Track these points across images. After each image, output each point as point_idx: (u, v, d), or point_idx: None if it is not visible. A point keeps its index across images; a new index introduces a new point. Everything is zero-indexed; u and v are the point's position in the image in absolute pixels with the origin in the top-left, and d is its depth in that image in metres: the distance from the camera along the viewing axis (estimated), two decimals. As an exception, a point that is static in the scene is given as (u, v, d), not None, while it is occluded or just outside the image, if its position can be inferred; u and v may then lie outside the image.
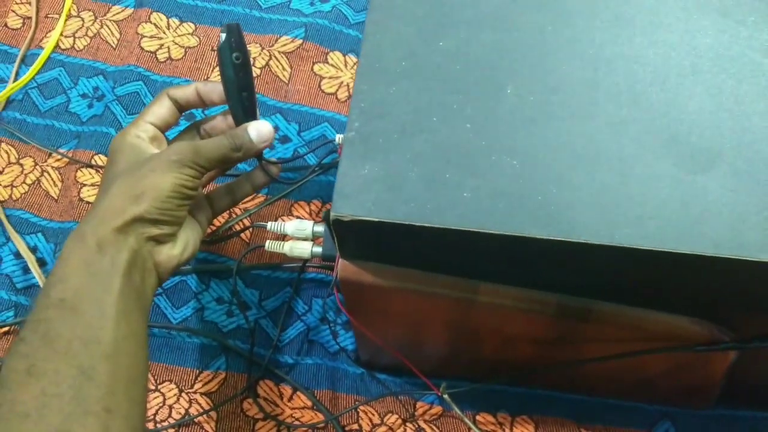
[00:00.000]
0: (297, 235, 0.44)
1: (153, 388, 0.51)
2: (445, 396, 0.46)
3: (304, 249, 0.44)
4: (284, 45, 0.63)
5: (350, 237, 0.33)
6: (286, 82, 0.62)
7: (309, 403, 0.50)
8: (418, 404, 0.51)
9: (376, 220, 0.31)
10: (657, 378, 0.45)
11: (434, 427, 0.50)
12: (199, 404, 0.50)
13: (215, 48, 0.47)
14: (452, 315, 0.38)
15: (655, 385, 0.46)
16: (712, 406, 0.50)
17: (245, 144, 0.40)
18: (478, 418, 0.50)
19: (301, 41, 0.63)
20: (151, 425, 0.49)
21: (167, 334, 0.52)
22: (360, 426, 0.50)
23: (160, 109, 0.42)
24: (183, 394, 0.50)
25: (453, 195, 0.31)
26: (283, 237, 0.49)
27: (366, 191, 0.31)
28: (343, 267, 0.35)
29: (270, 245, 0.45)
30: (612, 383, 0.47)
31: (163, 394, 0.50)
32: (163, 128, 0.42)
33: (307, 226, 0.44)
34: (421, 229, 0.31)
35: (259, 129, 0.41)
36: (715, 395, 0.47)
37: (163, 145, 0.42)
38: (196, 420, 0.50)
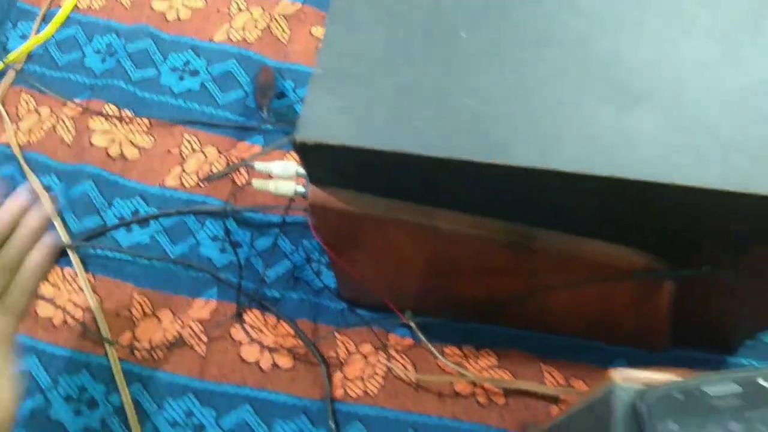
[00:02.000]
0: (282, 174, 0.49)
1: (150, 313, 0.56)
2: (411, 323, 0.50)
3: (288, 187, 0.48)
4: (284, 8, 0.68)
5: (315, 162, 0.37)
6: (285, 43, 0.67)
7: (291, 332, 0.55)
8: (391, 336, 0.55)
9: (337, 143, 0.35)
10: (609, 315, 0.49)
11: (404, 357, 0.54)
12: (191, 328, 0.55)
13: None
14: (416, 242, 0.43)
15: (609, 324, 0.50)
16: (667, 348, 0.54)
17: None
18: (445, 350, 0.55)
19: (300, 5, 0.68)
20: (146, 346, 0.55)
21: (165, 266, 0.58)
22: (336, 353, 0.55)
23: None
24: (177, 319, 0.56)
25: (410, 125, 0.35)
26: (269, 177, 0.53)
27: (329, 119, 0.35)
28: (312, 192, 0.40)
29: (257, 183, 0.50)
30: (569, 320, 0.51)
31: (159, 319, 0.56)
32: None
33: (291, 167, 0.49)
34: (379, 153, 0.35)
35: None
36: (666, 335, 0.51)
37: None
38: (188, 342, 0.55)
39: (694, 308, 0.47)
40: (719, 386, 0.32)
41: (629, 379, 0.34)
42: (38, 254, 0.43)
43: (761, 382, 0.32)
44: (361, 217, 0.40)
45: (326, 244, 0.46)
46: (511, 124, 0.35)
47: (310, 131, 0.35)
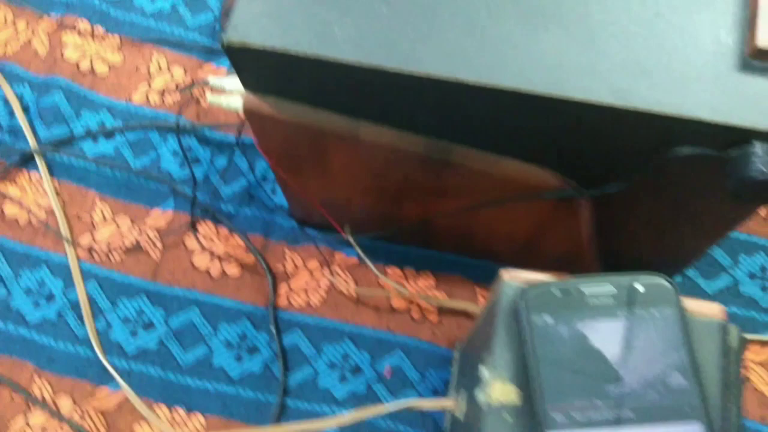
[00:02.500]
0: (234, 89, 0.51)
1: (110, 219, 0.59)
2: (348, 237, 0.53)
3: (238, 102, 0.50)
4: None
5: (244, 65, 0.40)
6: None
7: (242, 245, 0.58)
8: (337, 254, 0.58)
9: (260, 46, 0.37)
10: (535, 240, 0.51)
11: (348, 273, 0.57)
12: (148, 235, 0.58)
13: None
14: (342, 155, 0.45)
15: (537, 249, 0.53)
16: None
17: None
18: (387, 270, 0.58)
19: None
20: (104, 249, 0.58)
21: (127, 177, 0.60)
22: (284, 266, 0.58)
23: None
24: (135, 226, 0.59)
25: (328, 30, 0.37)
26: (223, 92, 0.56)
27: (255, 22, 0.37)
28: (246, 99, 0.42)
29: (210, 98, 0.52)
30: (498, 245, 0.54)
31: (118, 225, 0.59)
32: None
33: (242, 82, 0.51)
34: (297, 58, 0.37)
35: None
36: (592, 262, 0.53)
37: None
38: (143, 248, 0.58)
39: (615, 236, 0.49)
40: (596, 287, 0.35)
41: (517, 278, 0.37)
42: None
43: (636, 285, 0.35)
44: (292, 125, 0.43)
45: (264, 153, 0.48)
46: (424, 36, 0.37)
47: (236, 34, 0.38)
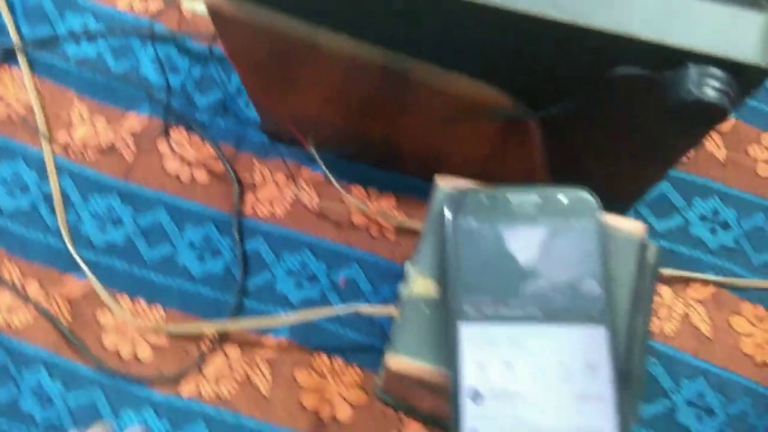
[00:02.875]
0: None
1: (87, 119, 0.61)
2: (312, 149, 0.55)
3: (213, 9, 0.52)
4: None
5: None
6: None
7: (213, 154, 0.60)
8: (304, 170, 0.60)
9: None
10: (492, 163, 0.53)
11: (313, 189, 0.59)
12: (123, 137, 0.60)
13: None
14: (303, 62, 0.46)
15: (494, 174, 0.55)
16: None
17: None
18: (352, 189, 0.59)
19: None
20: (80, 147, 0.60)
21: (107, 80, 0.62)
22: (252, 177, 0.60)
23: None
24: (110, 127, 0.61)
25: None
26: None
27: None
28: (212, 1, 0.44)
29: (186, 3, 0.53)
30: (458, 169, 0.56)
31: (94, 125, 0.61)
32: None
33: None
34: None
35: None
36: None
37: None
38: (117, 149, 0.60)
39: (569, 166, 0.51)
40: (522, 196, 0.37)
41: (452, 184, 0.39)
42: None
43: (560, 197, 0.37)
44: (252, 28, 0.44)
45: (231, 58, 0.50)
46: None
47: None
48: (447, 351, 0.34)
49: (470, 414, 0.32)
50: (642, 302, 0.38)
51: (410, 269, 0.37)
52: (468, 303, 0.34)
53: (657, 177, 0.50)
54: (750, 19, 0.35)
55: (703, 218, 0.58)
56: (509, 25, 0.37)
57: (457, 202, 0.36)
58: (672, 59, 0.35)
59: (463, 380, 0.33)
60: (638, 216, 0.59)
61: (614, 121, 0.44)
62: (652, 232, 0.58)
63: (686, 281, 0.57)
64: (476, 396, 0.33)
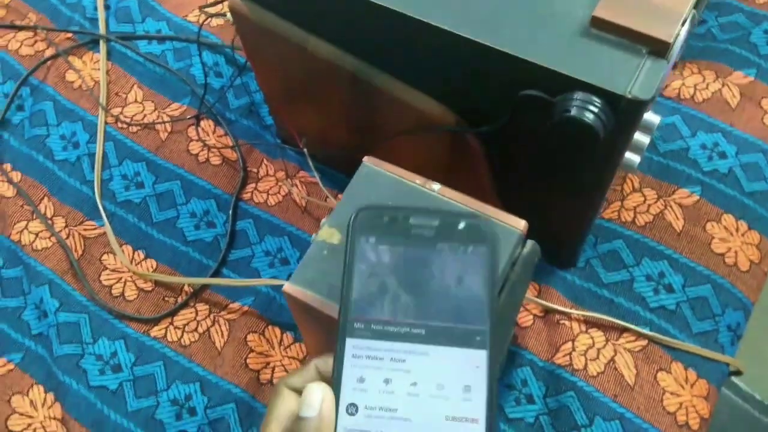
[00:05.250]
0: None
1: (139, 101, 0.73)
2: (303, 148, 0.64)
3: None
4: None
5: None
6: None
7: (230, 144, 0.71)
8: (301, 172, 0.69)
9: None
10: (448, 182, 0.60)
11: (304, 188, 0.68)
12: (163, 119, 0.72)
13: None
14: (295, 61, 0.56)
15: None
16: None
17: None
18: (337, 194, 0.68)
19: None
20: (127, 120, 0.72)
21: (163, 72, 0.75)
22: (257, 170, 0.69)
23: (286, 405, 0.35)
24: (156, 111, 0.73)
25: None
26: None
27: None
28: (232, 1, 0.55)
29: (230, 16, 0.65)
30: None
31: (144, 107, 0.73)
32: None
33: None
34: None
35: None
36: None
37: None
38: (155, 127, 0.72)
39: (511, 191, 0.56)
40: (422, 218, 0.36)
41: (376, 163, 0.47)
42: None
43: (460, 222, 0.36)
44: (261, 28, 0.54)
45: (247, 54, 0.60)
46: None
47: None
48: (334, 364, 0.34)
49: (342, 425, 0.33)
50: (512, 289, 0.43)
51: (324, 222, 0.45)
52: (356, 319, 0.34)
53: (585, 214, 0.55)
54: (627, 61, 0.41)
55: (648, 278, 0.62)
56: (436, 39, 0.45)
57: (360, 218, 0.36)
58: (565, 86, 0.42)
59: (343, 392, 0.33)
60: (589, 266, 0.63)
61: (531, 143, 0.50)
62: (598, 281, 0.62)
63: (620, 330, 0.60)
64: (352, 409, 0.33)
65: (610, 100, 0.41)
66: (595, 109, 0.41)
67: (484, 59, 0.45)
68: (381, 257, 0.35)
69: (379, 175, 0.46)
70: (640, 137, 0.54)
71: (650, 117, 0.53)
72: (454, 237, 0.35)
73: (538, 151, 0.50)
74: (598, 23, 0.42)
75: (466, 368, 0.33)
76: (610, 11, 0.42)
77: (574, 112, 0.41)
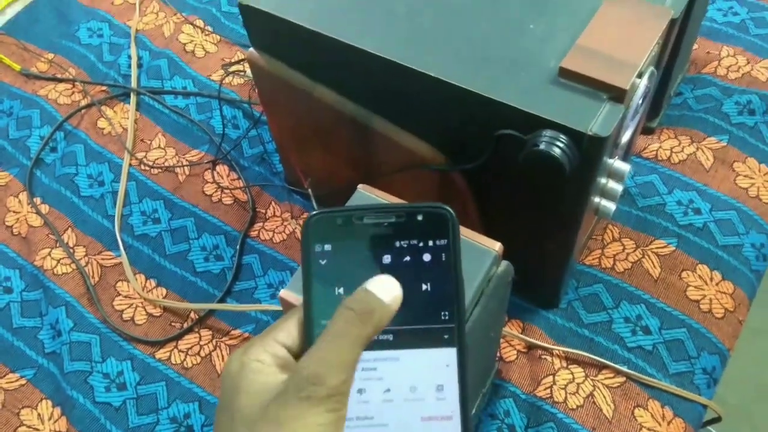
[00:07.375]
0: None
1: (163, 146, 0.80)
2: (308, 189, 0.70)
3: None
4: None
5: (249, 23, 0.59)
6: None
7: (242, 186, 0.77)
8: (306, 213, 0.75)
9: (255, 6, 0.57)
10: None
11: (308, 229, 0.73)
12: (182, 163, 0.79)
13: None
14: (302, 105, 0.62)
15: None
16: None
17: (376, 310, 0.32)
18: (339, 236, 0.73)
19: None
20: (149, 163, 0.79)
21: (185, 125, 0.82)
22: (265, 211, 0.75)
23: (294, 327, 0.34)
24: (176, 156, 0.80)
25: (322, 7, 0.56)
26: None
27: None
28: (250, 52, 0.62)
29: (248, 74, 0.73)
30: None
31: (166, 152, 0.80)
32: (297, 352, 0.33)
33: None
34: (277, 19, 0.56)
35: (384, 284, 0.33)
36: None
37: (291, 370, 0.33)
38: (174, 171, 0.78)
39: (496, 227, 0.61)
40: (379, 217, 0.34)
41: (369, 191, 0.52)
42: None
43: (417, 216, 0.34)
44: (274, 77, 0.61)
45: (262, 103, 0.67)
46: (355, 16, 0.55)
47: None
48: None
49: None
50: (486, 303, 0.47)
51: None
52: (322, 326, 0.32)
53: (562, 253, 0.60)
54: (590, 105, 0.47)
55: (626, 320, 0.66)
56: (423, 84, 0.52)
57: (313, 223, 0.34)
58: (536, 125, 0.48)
59: None
60: (570, 308, 0.67)
61: (508, 179, 0.55)
62: (579, 321, 0.66)
63: (599, 367, 0.63)
64: None
65: (575, 137, 0.47)
66: (561, 144, 0.46)
67: (465, 102, 0.51)
68: (338, 262, 0.34)
69: (371, 200, 0.52)
70: (614, 185, 0.59)
71: (620, 165, 0.58)
72: (413, 233, 0.34)
73: (514, 187, 0.55)
74: (565, 73, 0.49)
75: (437, 368, 0.33)
76: (576, 62, 0.49)
77: (542, 146, 0.47)
